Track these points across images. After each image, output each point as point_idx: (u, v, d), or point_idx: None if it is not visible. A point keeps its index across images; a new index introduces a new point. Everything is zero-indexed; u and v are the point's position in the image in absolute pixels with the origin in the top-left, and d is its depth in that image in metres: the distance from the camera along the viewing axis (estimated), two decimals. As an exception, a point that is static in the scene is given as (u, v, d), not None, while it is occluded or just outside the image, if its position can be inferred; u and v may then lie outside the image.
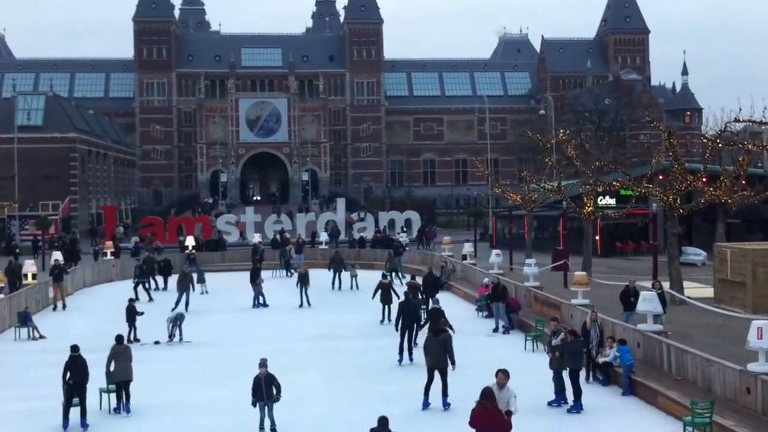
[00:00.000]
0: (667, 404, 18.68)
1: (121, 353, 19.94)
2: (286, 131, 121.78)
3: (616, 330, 22.92)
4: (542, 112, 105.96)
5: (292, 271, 46.32)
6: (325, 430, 18.04)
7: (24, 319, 30.23)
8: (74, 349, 19.06)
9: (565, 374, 19.48)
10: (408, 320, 24.35)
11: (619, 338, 21.77)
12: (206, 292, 40.59)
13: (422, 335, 22.43)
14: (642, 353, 22.17)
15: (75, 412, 18.63)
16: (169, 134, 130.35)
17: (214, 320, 31.79)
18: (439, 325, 21.92)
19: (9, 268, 39.79)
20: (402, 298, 27.15)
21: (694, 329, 26.25)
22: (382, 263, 44.06)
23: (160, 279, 42.85)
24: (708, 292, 34.95)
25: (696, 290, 36.02)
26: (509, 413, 14.47)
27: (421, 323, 25.16)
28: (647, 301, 23.24)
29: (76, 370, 18.61)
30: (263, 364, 17.46)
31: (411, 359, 24.04)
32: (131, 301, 28.65)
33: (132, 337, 27.79)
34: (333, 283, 41.63)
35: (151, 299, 37.89)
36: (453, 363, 19.69)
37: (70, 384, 18.53)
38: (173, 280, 39.63)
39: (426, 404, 19.66)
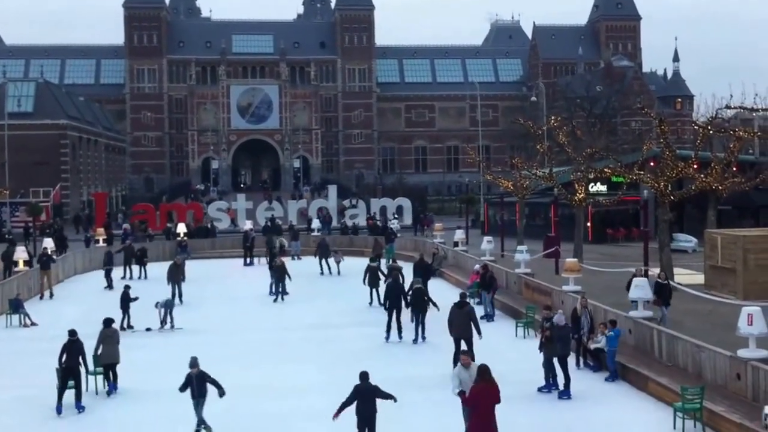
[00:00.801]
0: (657, 390, 18.77)
1: (109, 336, 20.16)
2: (278, 118, 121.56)
3: (607, 316, 22.99)
4: (534, 98, 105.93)
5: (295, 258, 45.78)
6: (319, 419, 18.04)
7: (16, 306, 30.19)
8: (72, 333, 19.23)
9: (556, 361, 19.54)
10: (395, 301, 25.57)
11: (610, 320, 21.75)
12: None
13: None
14: (633, 340, 22.26)
15: (69, 397, 18.66)
16: (160, 121, 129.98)
17: (205, 308, 31.78)
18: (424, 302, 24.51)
19: (6, 254, 39.84)
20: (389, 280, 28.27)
21: (685, 316, 26.35)
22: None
23: (136, 268, 42.04)
24: (699, 278, 35.07)
25: (687, 277, 36.14)
26: (462, 393, 15.12)
27: (408, 303, 26.16)
28: (638, 288, 23.32)
29: (72, 354, 18.77)
30: (194, 364, 16.73)
31: (400, 337, 25.34)
32: (126, 288, 28.59)
33: (126, 324, 27.85)
34: (321, 268, 42.36)
35: (111, 287, 37.32)
36: (479, 333, 21.08)
37: (65, 368, 18.65)
38: (154, 269, 39.70)
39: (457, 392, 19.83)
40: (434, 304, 24.98)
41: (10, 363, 23.84)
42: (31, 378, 20.82)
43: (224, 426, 17.41)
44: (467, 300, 22.87)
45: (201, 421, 16.56)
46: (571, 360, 20.75)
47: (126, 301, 27.97)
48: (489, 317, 29.18)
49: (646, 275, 26.76)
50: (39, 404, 19.38)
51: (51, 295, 36.14)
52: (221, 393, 16.66)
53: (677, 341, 20.26)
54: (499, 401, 14.57)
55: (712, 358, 18.62)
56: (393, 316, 25.46)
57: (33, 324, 29.48)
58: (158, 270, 43.23)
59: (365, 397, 15.14)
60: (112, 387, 20.18)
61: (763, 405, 15.69)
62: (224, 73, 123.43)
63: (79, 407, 18.71)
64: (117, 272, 39.90)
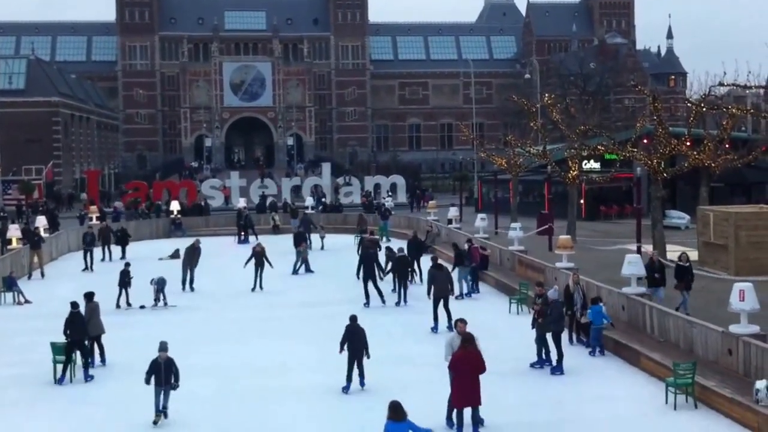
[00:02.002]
0: (649, 366, 18.88)
1: (93, 310, 20.33)
2: (271, 95, 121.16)
3: (601, 293, 23.09)
4: (527, 76, 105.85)
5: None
6: (313, 396, 18.14)
7: (9, 284, 30.18)
8: (74, 305, 19.54)
9: (549, 337, 19.63)
10: (368, 269, 27.91)
11: (593, 297, 21.86)
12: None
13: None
14: (626, 316, 22.38)
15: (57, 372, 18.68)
16: (153, 98, 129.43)
17: (198, 285, 31.72)
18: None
19: (1, 231, 39.98)
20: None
21: (677, 292, 26.43)
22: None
23: (117, 249, 40.58)
24: (691, 255, 35.15)
25: (679, 253, 36.23)
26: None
27: (385, 271, 29.55)
28: (632, 265, 23.40)
29: (75, 326, 19.08)
30: (164, 348, 16.06)
31: (383, 301, 27.21)
32: (127, 265, 28.58)
33: (125, 301, 27.96)
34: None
35: (91, 269, 36.92)
36: (453, 291, 24.64)
37: (70, 340, 18.96)
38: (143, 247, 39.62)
39: (435, 329, 23.40)
40: (417, 272, 27.95)
41: (5, 340, 23.85)
42: (27, 355, 20.87)
43: (217, 403, 17.51)
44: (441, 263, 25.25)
45: (163, 408, 15.97)
46: (564, 336, 20.89)
47: (125, 278, 28.03)
48: (465, 295, 29.02)
49: (688, 260, 25.46)
50: (35, 380, 19.48)
51: (42, 275, 35.43)
52: (175, 386, 15.97)
53: (669, 317, 20.38)
54: (483, 369, 15.00)
55: (703, 333, 18.74)
56: (367, 284, 27.53)
57: (27, 302, 29.48)
58: (147, 248, 43.32)
59: (354, 336, 17.80)
60: (102, 360, 20.39)
61: (755, 380, 15.82)
62: (216, 50, 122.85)
63: (87, 377, 19.19)
64: (75, 262, 38.86)
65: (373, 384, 17.87)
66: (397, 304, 27.31)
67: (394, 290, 27.92)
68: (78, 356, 19.49)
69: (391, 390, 16.28)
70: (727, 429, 15.32)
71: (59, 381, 18.97)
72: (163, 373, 15.67)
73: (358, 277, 28.81)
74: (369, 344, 17.91)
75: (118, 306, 27.53)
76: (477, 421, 15.22)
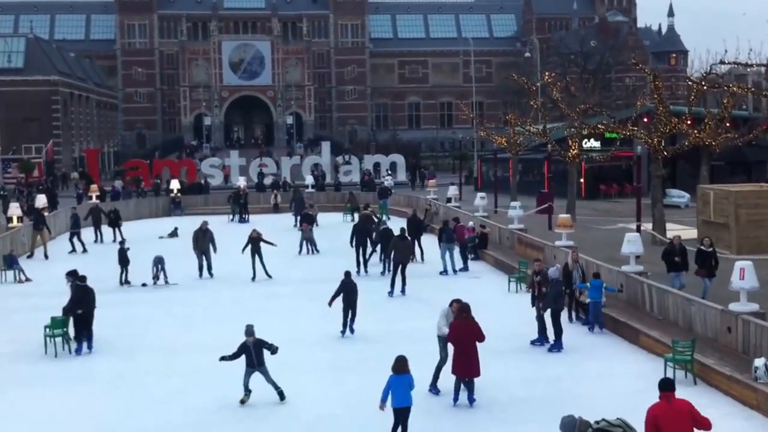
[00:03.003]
0: (648, 343, 18.95)
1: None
2: (270, 74, 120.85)
3: (600, 271, 23.12)
4: (528, 54, 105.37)
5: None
6: (311, 370, 18.26)
7: (10, 262, 30.25)
8: (82, 279, 20.09)
9: (547, 314, 19.70)
10: (361, 240, 30.20)
11: (594, 272, 21.91)
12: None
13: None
14: (625, 294, 22.43)
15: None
16: (152, 77, 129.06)
17: (197, 264, 31.67)
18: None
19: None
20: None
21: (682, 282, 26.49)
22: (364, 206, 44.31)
23: (109, 231, 39.92)
24: (691, 233, 35.19)
25: (679, 232, 36.19)
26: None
27: (374, 243, 30.85)
28: (631, 243, 23.43)
29: (83, 299, 19.60)
30: (250, 332, 15.97)
31: (366, 272, 29.39)
32: (122, 243, 28.68)
33: (123, 279, 28.07)
34: (296, 221, 42.69)
35: (84, 250, 36.58)
36: (413, 260, 27.81)
37: (79, 313, 19.52)
38: (141, 227, 39.43)
39: (391, 293, 25.64)
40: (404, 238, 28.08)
41: (5, 318, 23.94)
42: (26, 332, 20.92)
43: (219, 379, 17.59)
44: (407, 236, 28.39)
45: (277, 389, 16.09)
46: (564, 314, 20.95)
47: (124, 257, 28.13)
48: (444, 273, 29.31)
49: (711, 245, 24.69)
50: (35, 358, 19.60)
51: (45, 256, 34.96)
52: (274, 350, 16.11)
53: (668, 295, 20.43)
54: (481, 338, 15.47)
55: (702, 311, 18.80)
56: (359, 252, 29.89)
57: (27, 280, 29.57)
58: (147, 227, 43.31)
59: (348, 289, 20.53)
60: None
61: (753, 358, 15.88)
62: (215, 28, 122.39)
63: (90, 347, 19.73)
64: (86, 237, 38.48)
65: (370, 358, 17.98)
66: (382, 273, 28.20)
67: (381, 260, 29.57)
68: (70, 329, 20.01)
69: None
70: (725, 406, 15.38)
71: (77, 351, 19.58)
72: (255, 355, 15.68)
73: (351, 245, 30.53)
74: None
75: (120, 283, 27.74)
76: (472, 390, 15.60)
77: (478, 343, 15.50)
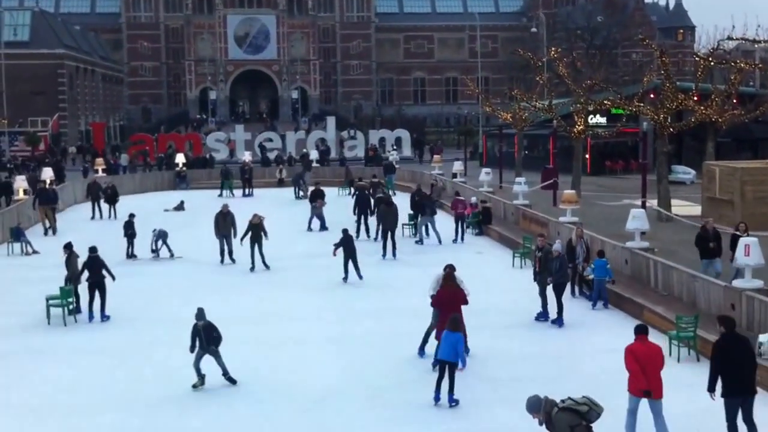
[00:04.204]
0: (652, 319, 18.99)
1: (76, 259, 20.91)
2: (275, 48, 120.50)
3: (605, 247, 23.18)
4: (534, 29, 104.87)
5: (301, 192, 45.27)
6: (313, 344, 18.38)
7: (17, 235, 30.35)
8: (92, 250, 20.50)
9: (549, 289, 19.75)
10: (363, 208, 32.26)
11: (598, 250, 21.97)
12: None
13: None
14: (629, 270, 22.49)
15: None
16: (157, 51, 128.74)
17: (203, 237, 31.73)
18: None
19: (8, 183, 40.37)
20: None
21: (681, 246, 26.52)
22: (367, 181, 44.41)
23: (106, 207, 38.76)
24: (696, 210, 35.23)
25: (684, 208, 36.29)
26: None
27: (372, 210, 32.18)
28: (636, 219, 23.47)
29: (95, 269, 20.11)
30: (201, 316, 15.43)
31: (368, 236, 31.09)
32: (131, 216, 28.69)
33: (130, 252, 28.20)
34: (296, 193, 44.92)
35: (52, 231, 34.36)
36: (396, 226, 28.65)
37: (91, 282, 20.12)
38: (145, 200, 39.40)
39: (384, 255, 27.64)
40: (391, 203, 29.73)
41: (13, 289, 24.09)
42: (35, 304, 21.06)
43: (224, 352, 17.70)
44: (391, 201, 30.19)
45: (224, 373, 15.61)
46: (567, 289, 21.04)
47: (129, 229, 28.21)
48: (420, 242, 30.84)
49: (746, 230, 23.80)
50: (42, 329, 19.79)
51: (54, 231, 34.22)
52: (219, 341, 15.49)
53: (672, 271, 20.48)
54: (465, 303, 16.25)
55: (706, 287, 18.85)
56: (360, 219, 31.81)
57: (35, 252, 29.69)
58: (153, 200, 43.36)
59: (348, 242, 23.90)
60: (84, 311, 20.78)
61: (757, 334, 15.93)
62: (221, 2, 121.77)
63: (104, 317, 20.22)
64: (80, 213, 38.45)
65: (375, 332, 18.08)
66: (383, 256, 28.17)
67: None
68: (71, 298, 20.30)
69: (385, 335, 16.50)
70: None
71: (89, 319, 20.12)
72: (205, 338, 15.23)
73: (354, 213, 32.42)
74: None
75: (127, 257, 27.85)
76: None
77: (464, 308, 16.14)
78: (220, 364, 15.41)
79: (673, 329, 17.09)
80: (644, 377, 12.24)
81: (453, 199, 32.82)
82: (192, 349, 15.32)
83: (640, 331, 12.75)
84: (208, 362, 15.38)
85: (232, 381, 15.53)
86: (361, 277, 23.84)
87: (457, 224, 31.40)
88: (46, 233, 33.93)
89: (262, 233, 26.36)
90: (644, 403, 12.47)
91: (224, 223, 27.28)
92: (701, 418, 13.54)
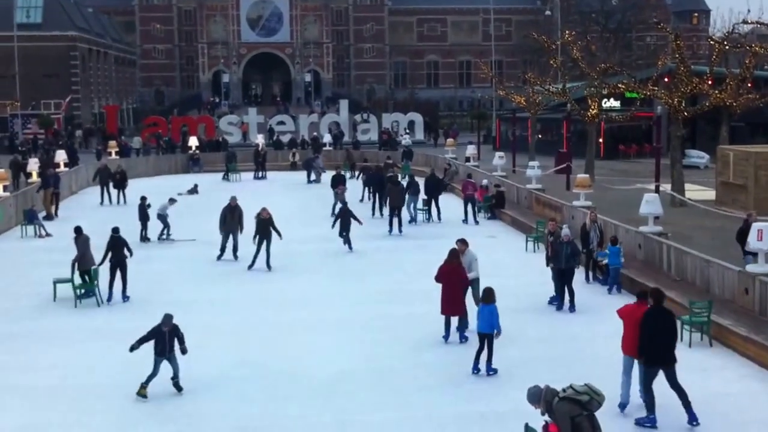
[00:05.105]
0: (666, 304, 18.93)
1: (83, 243, 20.89)
2: (288, 31, 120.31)
3: (618, 232, 23.12)
4: (548, 13, 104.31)
5: (313, 176, 45.32)
6: (324, 327, 18.41)
7: (30, 217, 30.48)
8: (115, 230, 20.85)
9: (561, 275, 19.72)
10: (377, 187, 33.19)
11: (611, 236, 21.91)
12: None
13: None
14: (643, 254, 22.43)
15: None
16: (170, 33, 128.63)
17: (213, 220, 31.72)
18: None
19: (13, 162, 40.44)
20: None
21: (695, 231, 26.48)
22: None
23: (115, 192, 37.90)
24: (710, 194, 35.11)
25: (698, 193, 36.18)
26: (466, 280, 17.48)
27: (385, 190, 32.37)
28: (650, 204, 23.39)
29: (118, 249, 20.57)
30: (168, 322, 14.49)
31: (381, 214, 32.02)
32: (143, 199, 28.70)
33: (143, 235, 28.24)
34: (308, 179, 45.01)
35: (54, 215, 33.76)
36: (404, 203, 30.33)
37: (114, 262, 20.45)
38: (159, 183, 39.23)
39: (390, 231, 29.17)
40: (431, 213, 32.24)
41: (26, 272, 24.20)
42: (48, 286, 21.16)
43: (236, 336, 17.79)
44: (400, 180, 32.56)
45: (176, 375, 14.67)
46: (581, 274, 21.00)
47: (144, 212, 28.27)
48: (413, 221, 31.61)
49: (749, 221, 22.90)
50: (54, 311, 19.91)
51: (50, 217, 33.27)
52: (184, 350, 14.55)
53: (686, 256, 20.41)
54: (463, 282, 17.02)
55: (720, 272, 18.78)
56: (375, 198, 33.19)
57: (48, 234, 29.79)
58: (166, 183, 43.39)
59: (344, 215, 26.33)
60: (91, 291, 20.76)
61: (770, 318, 15.90)
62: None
63: (125, 297, 20.58)
64: (93, 197, 38.24)
65: (386, 315, 18.11)
66: (390, 232, 29.39)
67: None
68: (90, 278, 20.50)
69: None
70: (741, 367, 15.44)
71: (108, 300, 20.42)
72: (167, 342, 14.30)
73: (368, 192, 34.77)
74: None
75: (141, 240, 27.88)
76: (462, 328, 17.12)
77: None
78: (174, 367, 14.43)
79: (686, 314, 17.05)
80: (632, 339, 13.18)
81: (463, 181, 32.97)
82: (133, 349, 14.43)
83: (641, 296, 13.62)
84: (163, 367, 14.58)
85: (179, 387, 14.52)
86: (351, 249, 26.09)
87: (466, 206, 31.62)
88: (46, 218, 32.87)
89: (272, 230, 24.16)
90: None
91: (231, 217, 25.09)
92: (713, 403, 13.54)
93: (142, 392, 14.30)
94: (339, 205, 32.94)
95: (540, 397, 9.83)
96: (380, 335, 17.60)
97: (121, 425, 13.44)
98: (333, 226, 26.74)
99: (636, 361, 13.20)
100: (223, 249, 25.26)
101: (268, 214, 24.28)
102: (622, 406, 13.33)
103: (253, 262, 23.96)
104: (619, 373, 13.49)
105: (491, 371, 15.10)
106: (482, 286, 16.31)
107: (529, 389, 10.03)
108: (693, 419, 12.69)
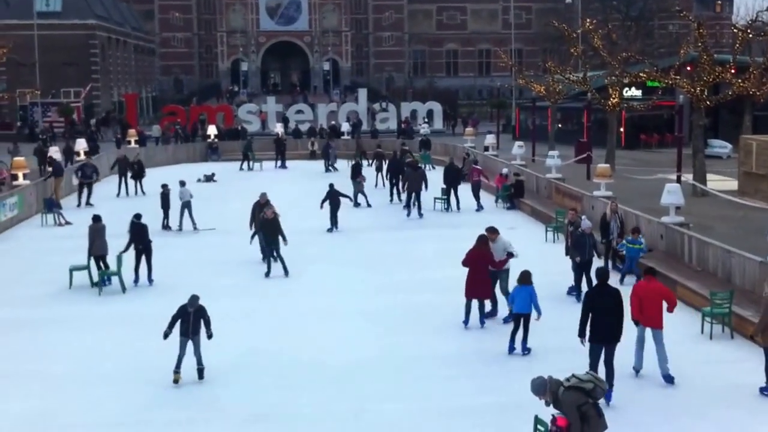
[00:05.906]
0: (686, 295, 18.77)
1: (98, 231, 21.13)
2: (307, 20, 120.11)
3: (639, 222, 22.93)
4: (568, 0, 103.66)
5: (331, 167, 44.99)
6: (345, 316, 18.39)
7: (50, 206, 30.61)
8: (137, 216, 21.16)
9: (577, 265, 19.58)
10: (395, 174, 33.79)
11: (633, 227, 21.67)
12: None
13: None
14: (664, 245, 22.23)
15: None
16: (189, 21, 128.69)
17: (234, 209, 31.74)
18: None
19: (38, 149, 40.74)
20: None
21: (716, 221, 26.24)
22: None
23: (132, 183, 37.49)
24: (732, 184, 34.81)
25: (720, 183, 35.87)
26: (510, 254, 18.17)
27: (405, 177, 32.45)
28: (671, 194, 23.19)
29: (141, 236, 20.94)
30: (194, 304, 14.47)
31: (399, 199, 32.70)
32: (164, 187, 28.60)
33: (165, 224, 28.25)
34: (326, 167, 44.68)
35: (88, 203, 33.94)
36: (426, 187, 30.39)
37: (139, 248, 20.92)
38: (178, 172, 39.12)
39: (408, 214, 29.94)
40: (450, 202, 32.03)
41: (47, 259, 24.31)
42: (55, 274, 21.31)
43: (253, 324, 17.79)
44: (421, 166, 33.18)
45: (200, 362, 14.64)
46: (600, 263, 20.81)
47: (166, 200, 28.26)
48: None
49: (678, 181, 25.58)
50: (75, 298, 20.04)
51: (87, 203, 33.96)
52: (209, 334, 14.53)
53: (708, 246, 20.22)
54: (491, 264, 17.39)
55: (741, 263, 18.59)
56: (393, 183, 33.85)
57: (67, 223, 29.90)
58: (185, 171, 43.37)
59: (333, 195, 27.41)
60: (110, 281, 20.97)
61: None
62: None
63: (150, 280, 21.13)
64: (109, 188, 37.83)
65: (403, 305, 18.02)
66: (408, 215, 30.21)
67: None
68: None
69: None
70: (762, 359, 15.23)
71: (135, 282, 21.00)
72: (192, 323, 14.29)
73: (386, 177, 35.22)
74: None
75: (163, 228, 27.89)
76: (483, 312, 17.43)
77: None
78: (198, 353, 14.44)
79: (707, 305, 16.87)
80: (637, 309, 14.10)
81: (472, 168, 33.38)
82: (167, 335, 14.36)
83: (649, 272, 14.68)
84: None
85: (202, 376, 14.52)
86: (337, 226, 27.53)
87: (476, 192, 32.10)
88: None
89: (279, 234, 21.84)
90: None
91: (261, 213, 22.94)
92: (732, 396, 13.42)
93: (176, 378, 14.39)
94: (360, 196, 32.92)
95: (545, 388, 9.83)
96: (397, 324, 17.56)
97: (135, 411, 13.49)
98: (321, 206, 27.66)
99: (650, 331, 14.16)
100: (263, 250, 22.63)
101: (273, 214, 22.00)
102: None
103: (269, 269, 21.95)
104: (645, 364, 14.04)
105: (526, 351, 15.59)
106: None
107: (532, 381, 9.99)
108: (609, 400, 12.92)
